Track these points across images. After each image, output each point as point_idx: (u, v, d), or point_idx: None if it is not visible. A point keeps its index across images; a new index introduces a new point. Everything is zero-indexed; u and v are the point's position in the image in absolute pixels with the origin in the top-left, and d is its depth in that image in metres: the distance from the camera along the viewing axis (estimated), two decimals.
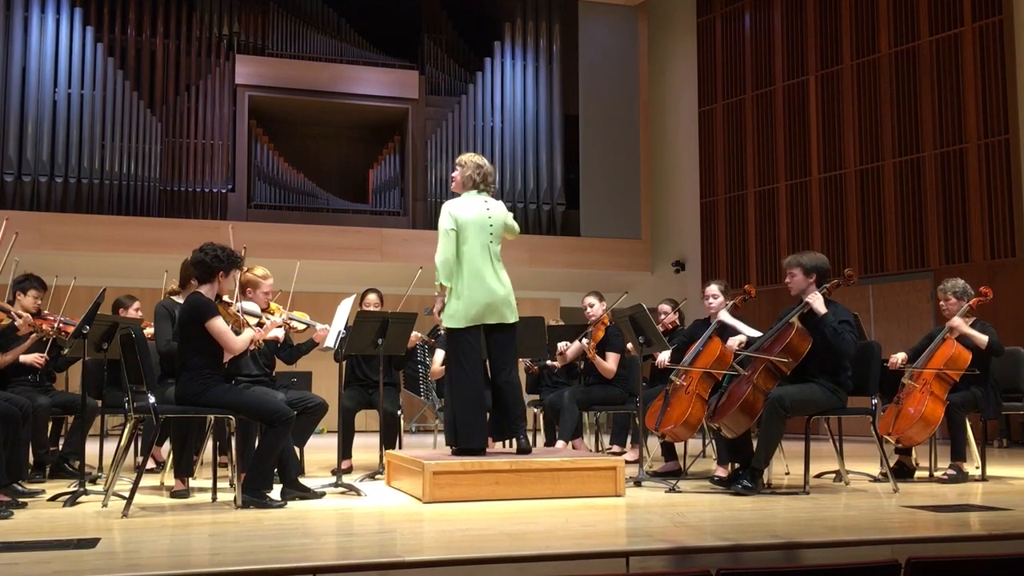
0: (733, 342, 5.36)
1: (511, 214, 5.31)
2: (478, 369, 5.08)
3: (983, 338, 5.70)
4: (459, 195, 5.21)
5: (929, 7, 10.49)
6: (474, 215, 5.05)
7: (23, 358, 5.59)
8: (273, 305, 5.61)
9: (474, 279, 4.99)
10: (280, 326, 5.41)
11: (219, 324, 4.50)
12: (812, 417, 5.15)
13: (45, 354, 5.69)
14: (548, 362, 7.19)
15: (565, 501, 4.64)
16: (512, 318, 5.08)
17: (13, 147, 11.17)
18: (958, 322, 5.72)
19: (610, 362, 6.54)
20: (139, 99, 11.87)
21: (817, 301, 5.04)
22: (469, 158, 5.23)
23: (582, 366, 6.88)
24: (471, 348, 5.05)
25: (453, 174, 5.31)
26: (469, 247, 5.01)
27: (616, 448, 7.01)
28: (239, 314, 4.84)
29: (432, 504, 4.54)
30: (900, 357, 5.86)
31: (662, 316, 6.68)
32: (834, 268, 11.45)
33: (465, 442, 4.98)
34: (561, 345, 6.91)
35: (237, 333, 4.66)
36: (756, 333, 5.47)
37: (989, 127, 9.92)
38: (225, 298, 4.84)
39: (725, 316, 5.71)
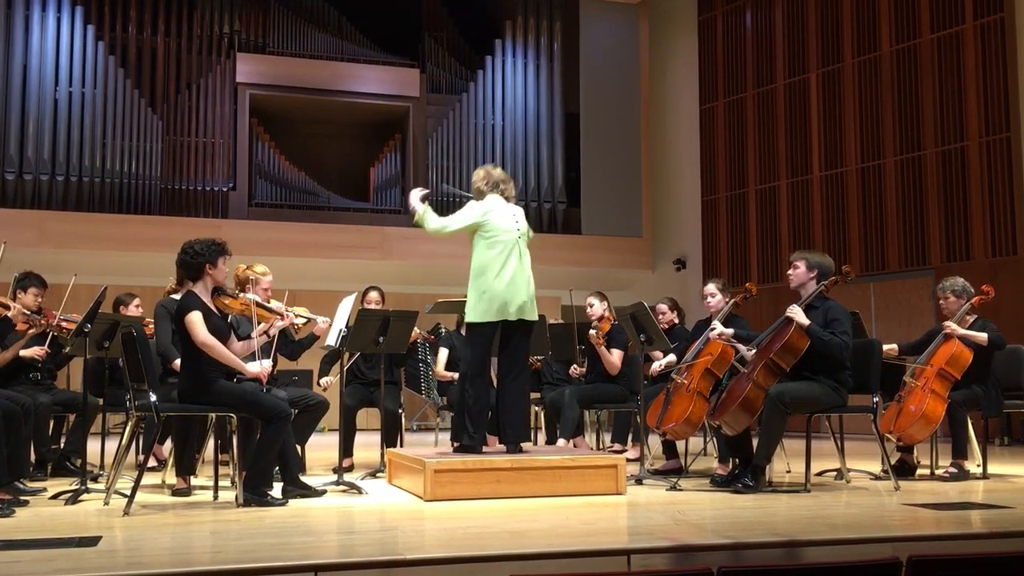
0: (727, 331, 5.34)
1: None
2: (488, 368, 5.16)
3: (982, 336, 5.66)
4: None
5: (930, 5, 10.47)
6: (507, 226, 5.17)
7: (23, 352, 5.57)
8: (273, 302, 5.60)
9: (502, 278, 5.07)
10: (286, 324, 5.40)
11: (191, 318, 4.46)
12: (813, 415, 5.15)
13: (46, 347, 5.69)
14: (572, 371, 7.11)
15: (566, 499, 4.64)
16: (533, 316, 5.19)
17: (14, 145, 11.17)
18: (953, 327, 5.67)
19: (615, 357, 6.54)
20: (140, 97, 11.86)
21: (798, 315, 5.01)
22: (477, 172, 5.36)
23: (584, 363, 6.88)
24: (487, 347, 5.11)
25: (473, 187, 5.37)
26: (501, 252, 5.11)
27: (617, 446, 7.00)
28: (244, 305, 4.82)
29: (433, 502, 4.55)
30: (892, 350, 5.83)
31: (659, 315, 6.66)
32: (835, 265, 11.41)
33: (470, 440, 5.02)
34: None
35: (247, 324, 4.66)
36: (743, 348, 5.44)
37: (990, 124, 9.91)
38: (228, 289, 4.81)
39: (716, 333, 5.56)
